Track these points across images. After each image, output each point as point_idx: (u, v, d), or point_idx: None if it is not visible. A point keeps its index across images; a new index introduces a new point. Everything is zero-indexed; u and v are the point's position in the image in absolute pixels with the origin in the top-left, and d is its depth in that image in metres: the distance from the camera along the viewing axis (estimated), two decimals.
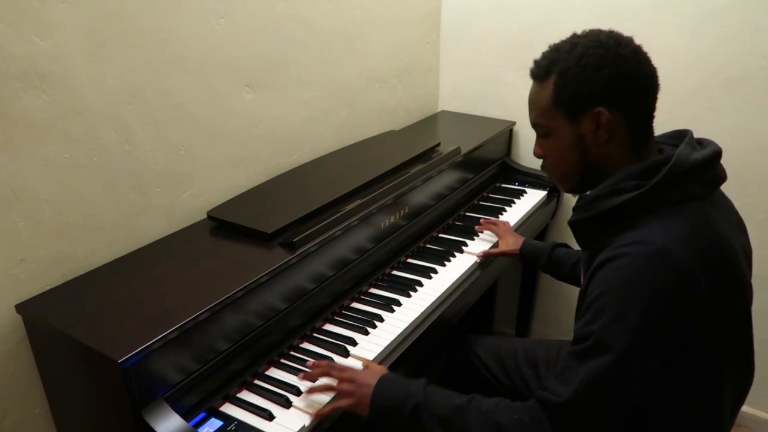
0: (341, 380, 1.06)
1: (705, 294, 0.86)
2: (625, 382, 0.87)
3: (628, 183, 0.91)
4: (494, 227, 1.63)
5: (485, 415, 0.94)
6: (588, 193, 0.96)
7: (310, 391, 1.08)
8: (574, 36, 0.96)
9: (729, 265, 0.90)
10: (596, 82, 0.91)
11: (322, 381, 1.09)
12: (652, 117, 0.96)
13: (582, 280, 1.07)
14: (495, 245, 1.60)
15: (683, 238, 0.85)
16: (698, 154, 0.91)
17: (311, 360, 1.14)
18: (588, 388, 0.87)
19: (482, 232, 1.66)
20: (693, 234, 0.86)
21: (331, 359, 1.17)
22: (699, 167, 0.90)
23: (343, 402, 1.03)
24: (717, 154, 0.93)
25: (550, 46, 0.98)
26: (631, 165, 0.93)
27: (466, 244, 1.61)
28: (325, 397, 1.08)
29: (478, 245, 1.61)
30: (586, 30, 0.96)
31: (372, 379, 1.03)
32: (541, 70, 0.97)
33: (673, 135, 1.02)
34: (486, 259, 1.55)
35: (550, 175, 1.05)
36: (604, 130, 0.93)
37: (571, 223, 0.99)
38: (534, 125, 1.02)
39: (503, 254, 1.54)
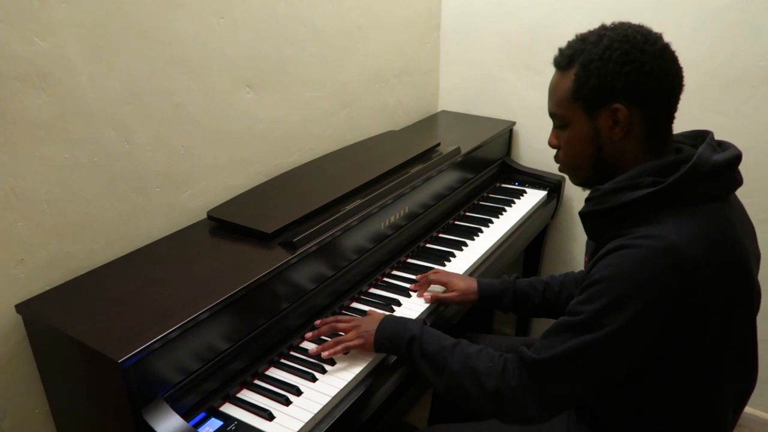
0: (347, 329, 1.18)
1: (710, 293, 0.85)
2: (605, 362, 0.89)
3: (645, 179, 0.90)
4: (435, 277, 1.38)
5: (464, 360, 1.02)
6: (603, 185, 0.94)
7: (321, 348, 1.16)
8: (602, 27, 0.94)
9: (739, 268, 0.90)
10: (618, 78, 0.89)
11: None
12: (673, 116, 0.94)
13: (585, 267, 1.07)
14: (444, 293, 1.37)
15: (695, 238, 0.85)
16: (719, 156, 0.90)
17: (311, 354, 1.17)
18: (568, 357, 0.89)
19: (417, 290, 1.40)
20: (706, 234, 0.86)
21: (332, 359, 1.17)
22: (719, 169, 0.89)
23: (353, 343, 1.15)
24: (737, 157, 0.92)
25: (576, 35, 0.96)
26: (647, 162, 0.92)
27: (466, 244, 1.61)
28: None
29: (416, 301, 1.37)
30: (615, 22, 0.94)
31: (375, 323, 1.16)
32: (564, 59, 0.96)
33: (691, 135, 1.00)
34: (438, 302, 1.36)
35: (562, 167, 1.03)
36: (621, 126, 0.92)
37: (584, 214, 0.97)
38: (551, 115, 1.00)
39: (455, 302, 1.35)
